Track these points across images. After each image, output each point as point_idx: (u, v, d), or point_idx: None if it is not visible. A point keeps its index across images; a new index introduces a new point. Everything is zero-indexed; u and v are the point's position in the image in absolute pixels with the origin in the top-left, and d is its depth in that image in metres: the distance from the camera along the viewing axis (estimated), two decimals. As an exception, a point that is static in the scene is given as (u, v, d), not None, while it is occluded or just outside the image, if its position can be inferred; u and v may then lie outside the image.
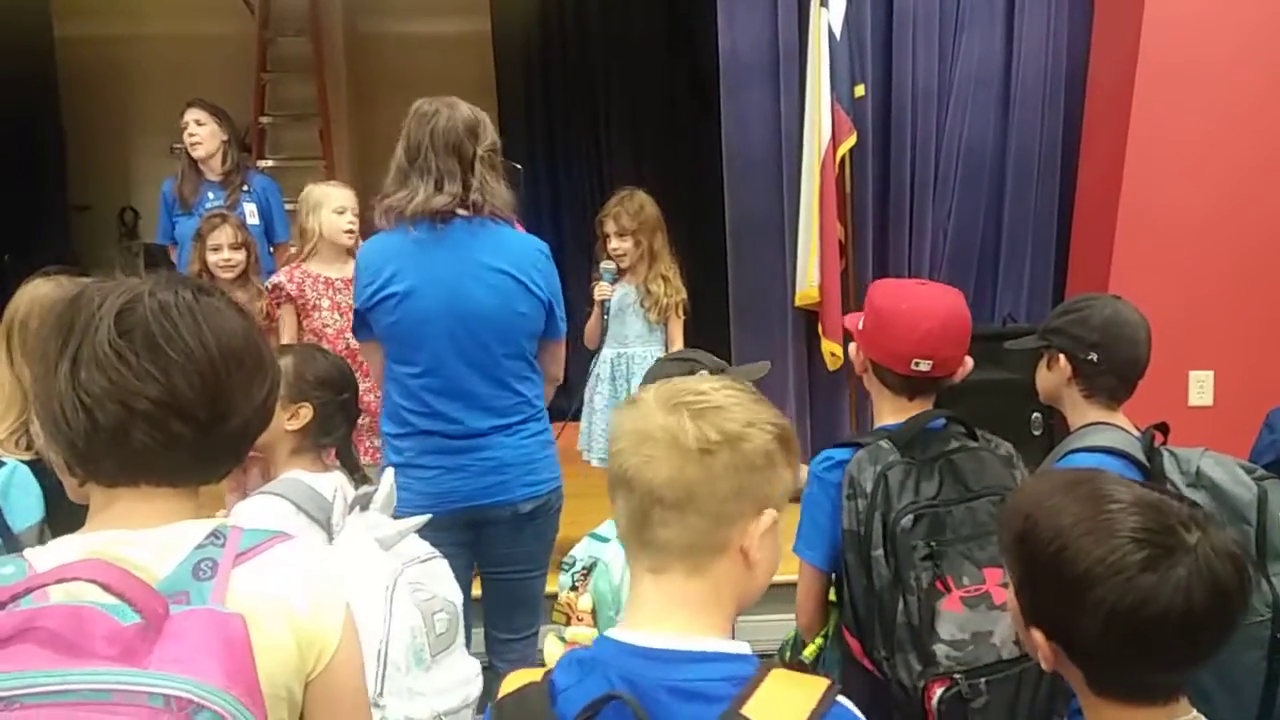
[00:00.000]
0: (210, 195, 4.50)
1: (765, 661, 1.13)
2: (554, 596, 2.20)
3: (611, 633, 1.16)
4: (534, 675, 1.17)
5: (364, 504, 1.97)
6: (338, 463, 2.21)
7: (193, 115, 4.49)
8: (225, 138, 4.56)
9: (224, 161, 4.54)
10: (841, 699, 1.10)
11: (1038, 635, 1.16)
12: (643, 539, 1.14)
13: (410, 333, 2.45)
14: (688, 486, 1.11)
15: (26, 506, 1.88)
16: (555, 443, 2.69)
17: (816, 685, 1.10)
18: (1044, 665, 1.17)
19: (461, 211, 2.44)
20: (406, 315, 2.43)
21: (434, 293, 2.42)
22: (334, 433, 2.14)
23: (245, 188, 4.54)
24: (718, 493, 1.12)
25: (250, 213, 4.44)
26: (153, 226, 7.44)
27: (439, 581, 1.93)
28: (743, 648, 1.14)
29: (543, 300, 2.53)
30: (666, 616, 1.13)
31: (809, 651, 2.00)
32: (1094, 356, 2.10)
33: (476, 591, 2.73)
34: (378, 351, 2.55)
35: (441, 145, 2.42)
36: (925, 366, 1.89)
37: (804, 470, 2.04)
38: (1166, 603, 1.05)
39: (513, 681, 1.18)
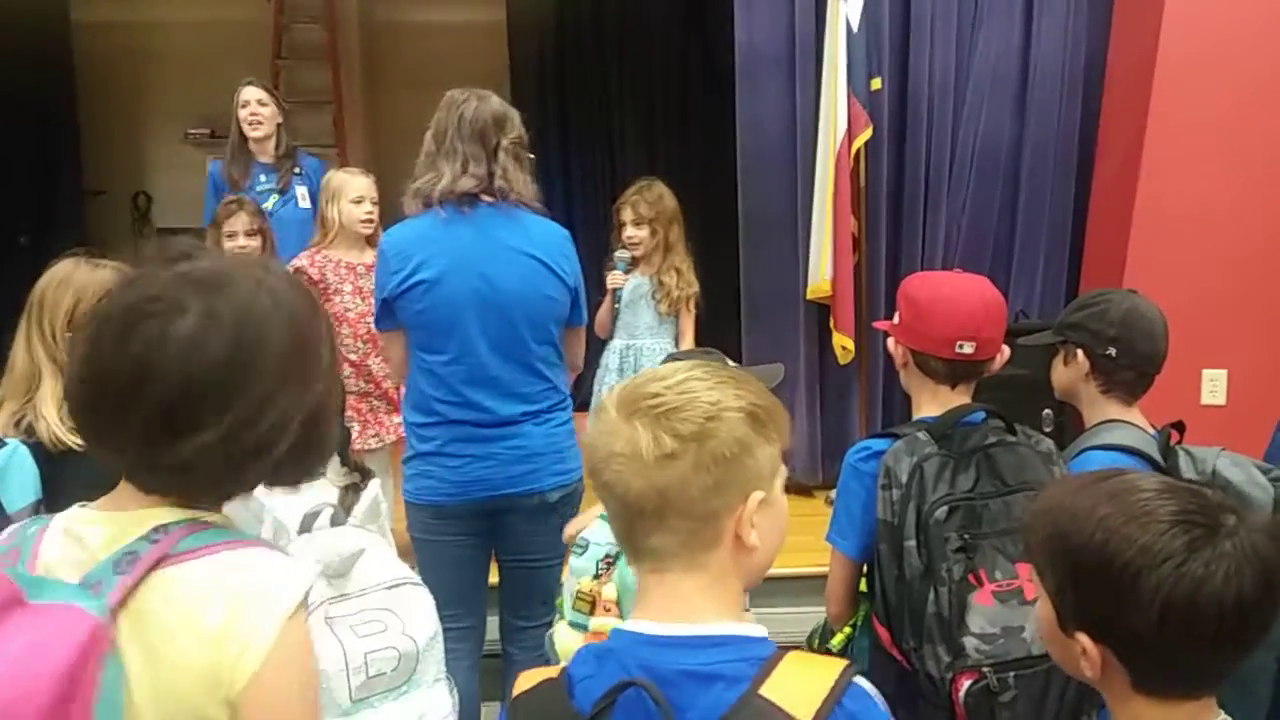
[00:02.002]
0: (262, 178, 4.44)
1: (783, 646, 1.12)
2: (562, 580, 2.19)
3: (625, 625, 1.16)
4: (549, 672, 1.17)
5: (324, 522, 1.81)
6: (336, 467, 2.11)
7: (254, 95, 4.43)
8: (280, 120, 4.50)
9: (278, 144, 4.48)
10: (859, 679, 1.09)
11: (1084, 639, 1.11)
12: (635, 546, 1.14)
13: (439, 319, 2.45)
14: (661, 494, 1.09)
15: (22, 486, 1.90)
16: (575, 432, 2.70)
17: (834, 665, 1.10)
18: (1089, 673, 1.13)
19: (487, 197, 2.46)
20: (435, 302, 2.43)
21: (463, 278, 2.43)
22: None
23: (297, 170, 4.48)
24: (693, 493, 1.09)
25: (302, 196, 4.39)
26: (166, 211, 7.53)
27: (408, 610, 1.78)
28: (758, 630, 1.13)
29: (569, 285, 2.55)
30: (675, 608, 1.13)
31: (836, 640, 2.00)
32: (1112, 351, 2.08)
33: (493, 579, 2.74)
34: (400, 341, 2.55)
35: (468, 132, 2.45)
36: (969, 349, 1.90)
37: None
38: (1220, 585, 1.03)
39: (527, 680, 1.17)
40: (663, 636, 1.11)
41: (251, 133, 4.42)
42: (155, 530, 1.05)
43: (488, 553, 2.65)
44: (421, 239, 2.45)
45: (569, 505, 2.60)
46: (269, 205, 4.33)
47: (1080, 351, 2.12)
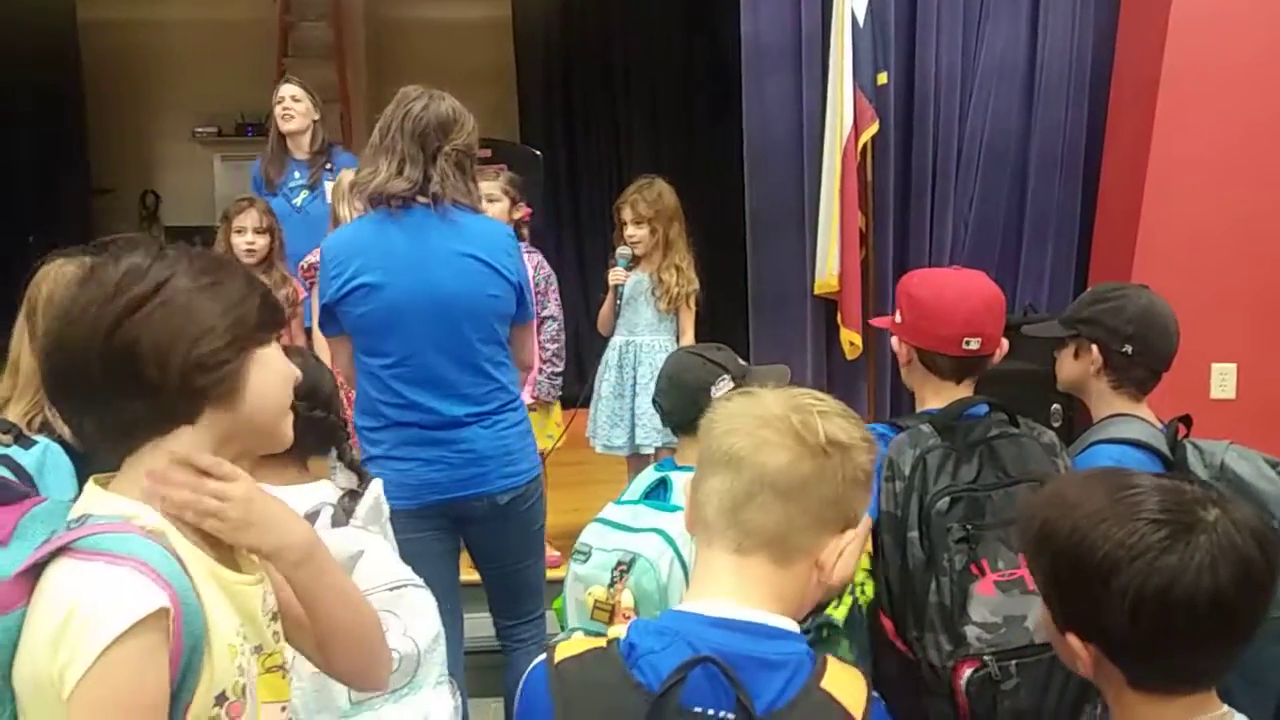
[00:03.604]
0: (296, 174, 4.49)
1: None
2: (560, 582, 2.18)
3: (686, 606, 1.20)
4: (594, 642, 1.20)
5: (330, 521, 1.82)
6: (338, 467, 2.08)
7: (289, 90, 4.49)
8: (317, 117, 4.55)
9: (313, 141, 4.53)
10: (874, 692, 1.17)
11: (1073, 640, 1.12)
12: (737, 519, 1.17)
13: (382, 322, 2.44)
14: (801, 478, 1.15)
15: (61, 483, 1.88)
16: (532, 432, 2.70)
17: (859, 673, 1.18)
18: (1084, 672, 1.14)
19: (422, 199, 2.45)
20: (378, 305, 2.43)
21: (404, 281, 2.42)
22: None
23: (329, 166, 4.52)
24: (823, 494, 1.16)
25: (329, 191, 4.44)
26: (173, 209, 7.56)
27: (409, 612, 1.80)
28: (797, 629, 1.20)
29: (512, 283, 2.53)
30: (748, 594, 1.17)
31: (840, 613, 1.97)
32: (1128, 349, 2.07)
33: (465, 577, 2.74)
34: (345, 347, 2.54)
35: (409, 131, 2.44)
36: (975, 345, 1.92)
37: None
38: (1192, 581, 1.03)
39: (569, 647, 1.20)
40: (735, 620, 1.15)
41: (283, 125, 4.47)
42: (79, 519, 1.12)
43: (454, 547, 2.64)
44: (358, 244, 2.46)
45: (524, 507, 2.60)
46: (299, 200, 4.39)
47: (1094, 347, 2.11)
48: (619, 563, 1.97)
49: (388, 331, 2.45)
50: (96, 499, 1.14)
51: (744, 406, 1.21)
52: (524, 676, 1.20)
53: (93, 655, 1.02)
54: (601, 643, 1.18)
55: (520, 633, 2.71)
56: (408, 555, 2.50)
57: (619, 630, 1.87)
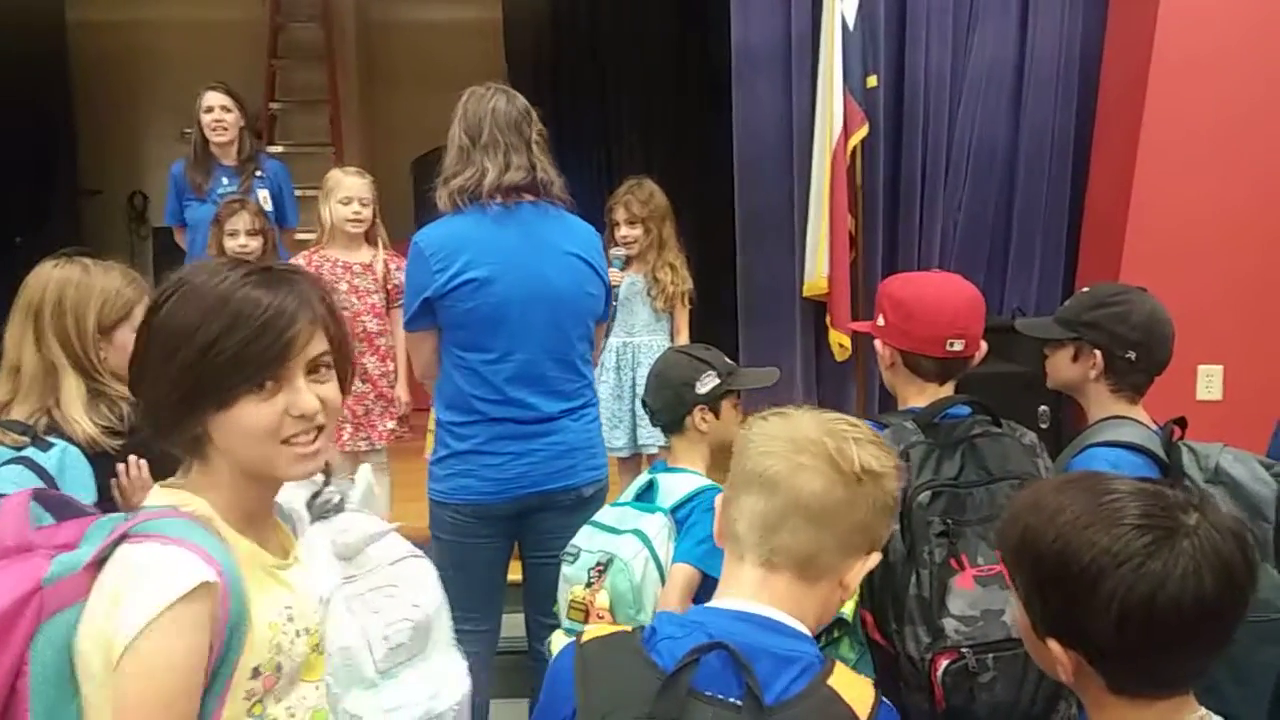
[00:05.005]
0: (225, 180, 4.45)
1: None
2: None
3: (712, 603, 1.26)
4: (619, 626, 1.28)
5: (334, 509, 1.86)
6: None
7: (218, 100, 4.43)
8: (244, 124, 4.52)
9: (241, 148, 4.50)
10: (884, 698, 1.21)
11: (1055, 646, 1.12)
12: (769, 539, 1.22)
13: (489, 318, 2.43)
14: (834, 504, 1.19)
15: (83, 485, 1.89)
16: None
17: (866, 679, 1.23)
18: (1064, 678, 1.14)
19: (528, 196, 2.46)
20: (486, 301, 2.42)
21: (515, 278, 2.42)
22: None
23: (259, 173, 4.50)
24: (853, 520, 1.20)
25: (264, 199, 4.40)
26: (160, 211, 7.50)
27: (410, 583, 1.86)
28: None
29: (605, 282, 2.59)
30: (769, 598, 1.22)
31: (849, 609, 1.98)
32: (1132, 355, 2.08)
33: (513, 576, 2.74)
34: (429, 341, 2.53)
35: (504, 124, 2.45)
36: (959, 346, 1.96)
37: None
38: (1178, 586, 1.03)
39: (596, 631, 1.27)
40: (755, 615, 1.20)
41: (215, 138, 4.43)
42: (139, 510, 1.21)
43: (510, 554, 2.65)
44: (465, 237, 2.43)
45: (597, 500, 2.60)
46: None
47: (1097, 352, 2.11)
48: (597, 563, 2.00)
49: (495, 327, 2.44)
50: (153, 495, 1.25)
51: (779, 428, 1.24)
52: (554, 656, 1.27)
53: (141, 623, 1.09)
54: (628, 628, 1.25)
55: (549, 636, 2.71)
56: (471, 556, 2.53)
57: (595, 631, 1.90)
